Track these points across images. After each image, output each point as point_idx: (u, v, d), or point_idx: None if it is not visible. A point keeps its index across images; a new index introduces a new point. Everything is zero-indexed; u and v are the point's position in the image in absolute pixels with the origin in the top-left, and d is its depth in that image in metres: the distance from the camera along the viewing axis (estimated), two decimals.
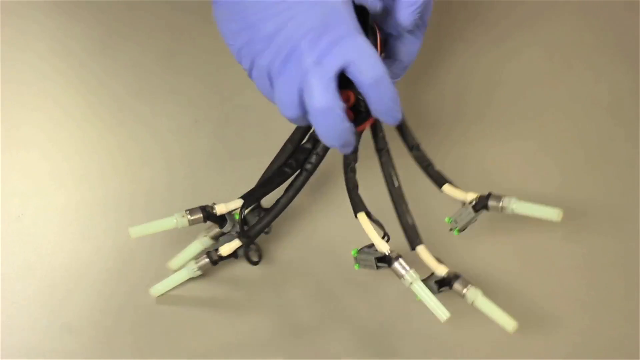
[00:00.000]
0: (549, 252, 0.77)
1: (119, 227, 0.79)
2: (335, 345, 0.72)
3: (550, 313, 0.73)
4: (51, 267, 0.77)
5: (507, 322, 0.67)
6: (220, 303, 0.75)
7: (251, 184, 0.75)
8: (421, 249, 0.70)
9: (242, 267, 0.76)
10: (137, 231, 0.72)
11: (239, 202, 0.72)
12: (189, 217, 0.71)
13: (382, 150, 0.72)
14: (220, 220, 0.72)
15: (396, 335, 0.74)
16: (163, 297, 0.75)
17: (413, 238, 0.70)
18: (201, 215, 0.71)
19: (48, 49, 0.86)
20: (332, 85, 0.59)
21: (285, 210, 0.73)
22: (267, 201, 0.74)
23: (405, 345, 0.73)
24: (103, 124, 0.83)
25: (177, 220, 0.72)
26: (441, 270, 0.68)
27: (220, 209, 0.72)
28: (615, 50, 0.87)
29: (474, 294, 0.68)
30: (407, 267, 0.68)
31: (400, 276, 0.68)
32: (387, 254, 0.68)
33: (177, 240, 0.78)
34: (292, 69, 0.60)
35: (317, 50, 0.59)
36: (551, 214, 0.70)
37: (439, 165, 0.75)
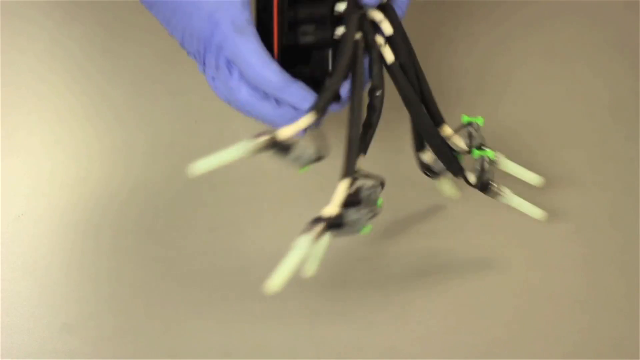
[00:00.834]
0: (549, 252, 0.77)
1: (119, 227, 0.79)
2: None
3: (550, 313, 0.73)
4: (51, 267, 0.77)
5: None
6: (223, 305, 0.75)
7: (252, 183, 0.75)
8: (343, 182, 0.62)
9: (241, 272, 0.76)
10: (201, 167, 0.62)
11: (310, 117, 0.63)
12: (254, 143, 0.62)
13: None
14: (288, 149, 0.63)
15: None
16: (163, 297, 0.75)
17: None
18: (267, 140, 0.62)
19: (47, 50, 0.86)
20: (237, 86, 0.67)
21: None
22: None
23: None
24: (103, 124, 0.84)
25: (241, 150, 0.62)
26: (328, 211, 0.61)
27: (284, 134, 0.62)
28: (615, 50, 0.87)
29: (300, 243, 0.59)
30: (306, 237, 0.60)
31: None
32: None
33: (172, 242, 0.78)
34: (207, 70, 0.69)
35: (212, 61, 0.68)
36: (533, 179, 0.70)
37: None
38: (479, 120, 0.68)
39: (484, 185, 0.70)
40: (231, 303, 0.74)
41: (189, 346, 0.74)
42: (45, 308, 0.75)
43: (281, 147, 0.61)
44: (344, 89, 0.66)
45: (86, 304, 0.76)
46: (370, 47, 0.67)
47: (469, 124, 0.68)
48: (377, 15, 0.67)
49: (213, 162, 0.62)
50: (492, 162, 0.70)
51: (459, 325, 0.71)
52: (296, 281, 0.72)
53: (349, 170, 0.64)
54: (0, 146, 0.82)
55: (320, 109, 0.63)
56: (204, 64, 0.70)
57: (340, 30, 0.67)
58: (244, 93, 0.67)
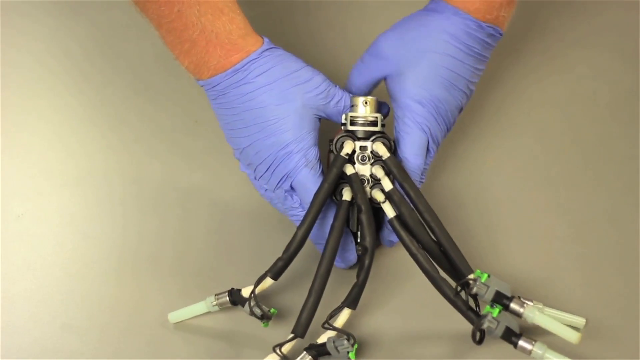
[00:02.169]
0: (549, 252, 0.77)
1: (119, 226, 0.79)
2: None
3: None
4: (51, 267, 0.77)
5: None
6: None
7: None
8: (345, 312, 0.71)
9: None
10: (175, 317, 0.74)
11: (269, 282, 0.71)
12: (218, 300, 0.72)
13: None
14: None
15: None
16: (163, 297, 0.76)
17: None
18: (228, 299, 0.72)
19: (47, 50, 0.86)
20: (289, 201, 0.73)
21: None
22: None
23: None
24: (103, 124, 0.84)
25: (207, 305, 0.73)
26: (323, 337, 0.70)
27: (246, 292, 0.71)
28: (615, 50, 0.87)
29: None
30: None
31: None
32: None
33: (172, 234, 0.78)
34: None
35: (274, 182, 0.73)
36: (569, 335, 0.67)
37: (438, 166, 0.75)
38: (484, 277, 0.68)
39: (508, 340, 0.67)
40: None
41: (188, 346, 0.74)
42: (45, 308, 0.75)
43: None
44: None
45: (86, 304, 0.76)
46: (359, 207, 0.71)
47: (474, 279, 0.68)
48: (379, 172, 0.72)
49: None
50: (517, 316, 0.68)
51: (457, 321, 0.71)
52: None
53: (298, 329, 0.69)
54: (0, 146, 0.82)
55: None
56: (260, 176, 0.73)
57: (345, 194, 0.72)
58: (300, 215, 0.73)
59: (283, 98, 0.71)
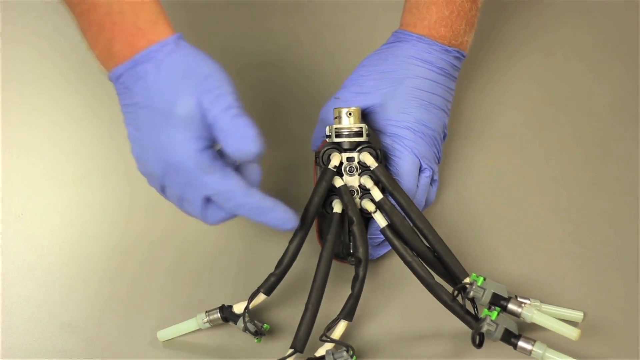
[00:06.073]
0: (549, 252, 0.78)
1: (119, 226, 0.79)
2: None
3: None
4: (51, 267, 0.77)
5: None
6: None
7: None
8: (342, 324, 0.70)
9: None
10: (164, 335, 0.73)
11: (262, 297, 0.71)
12: (209, 317, 0.72)
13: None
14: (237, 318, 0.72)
15: None
16: (162, 297, 0.76)
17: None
18: (219, 316, 0.72)
19: (49, 48, 0.86)
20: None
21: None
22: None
23: None
24: (103, 124, 0.83)
25: (198, 323, 0.73)
26: (321, 350, 0.69)
27: (238, 308, 0.71)
28: (615, 50, 0.87)
29: None
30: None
31: None
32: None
33: (172, 241, 0.78)
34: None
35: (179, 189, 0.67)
36: (569, 332, 0.68)
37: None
38: (480, 280, 0.69)
39: (507, 341, 0.68)
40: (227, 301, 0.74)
41: (187, 345, 0.74)
42: (45, 308, 0.76)
43: None
44: None
45: (86, 304, 0.76)
46: (351, 219, 0.71)
47: (471, 284, 0.69)
48: (368, 183, 0.73)
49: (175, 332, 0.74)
50: (515, 316, 0.69)
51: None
52: None
53: (297, 343, 0.69)
54: (0, 146, 0.82)
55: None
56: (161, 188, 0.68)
57: (336, 206, 0.72)
58: (217, 219, 0.67)
59: (182, 96, 0.64)
